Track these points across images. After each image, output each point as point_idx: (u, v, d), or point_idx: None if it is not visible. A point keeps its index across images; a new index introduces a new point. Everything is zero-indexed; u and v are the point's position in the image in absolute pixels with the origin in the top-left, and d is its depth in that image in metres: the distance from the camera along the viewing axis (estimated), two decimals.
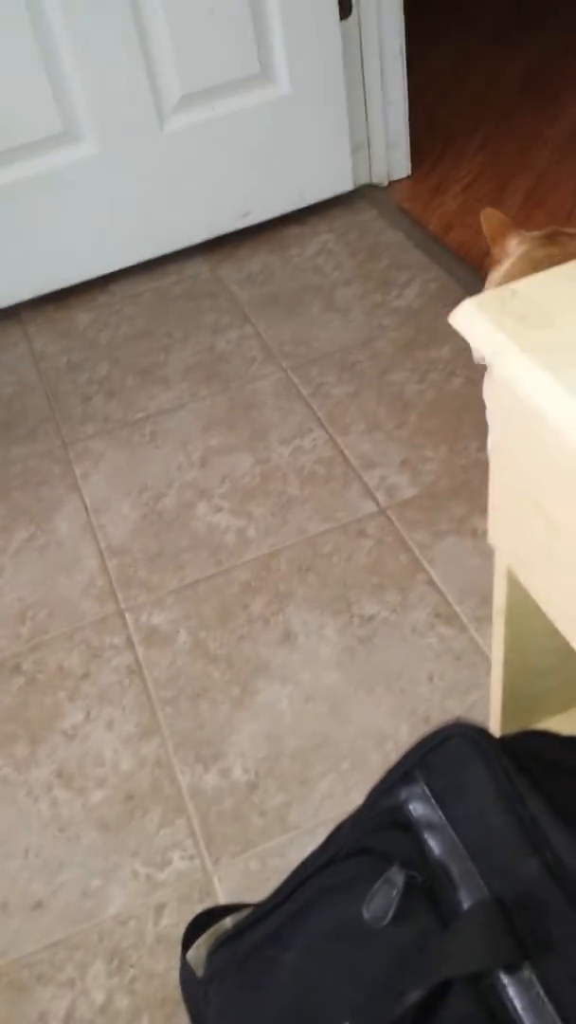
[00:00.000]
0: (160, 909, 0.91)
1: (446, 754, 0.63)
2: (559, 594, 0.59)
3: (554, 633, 0.60)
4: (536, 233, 1.08)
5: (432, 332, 1.51)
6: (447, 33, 2.30)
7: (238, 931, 0.70)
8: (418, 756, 0.64)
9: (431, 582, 1.15)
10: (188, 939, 0.80)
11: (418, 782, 0.63)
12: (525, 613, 0.67)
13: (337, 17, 1.60)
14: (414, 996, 0.53)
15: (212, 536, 1.26)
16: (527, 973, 0.52)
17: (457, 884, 0.58)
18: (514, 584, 0.67)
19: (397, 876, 0.59)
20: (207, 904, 0.90)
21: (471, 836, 0.59)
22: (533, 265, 1.02)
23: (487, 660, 1.04)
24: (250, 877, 0.92)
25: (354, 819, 0.67)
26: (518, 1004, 0.52)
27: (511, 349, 0.48)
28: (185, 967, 0.78)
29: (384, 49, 1.69)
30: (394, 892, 0.59)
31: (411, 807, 0.63)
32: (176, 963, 0.81)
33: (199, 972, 0.74)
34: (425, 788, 0.63)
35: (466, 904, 0.57)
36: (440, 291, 1.58)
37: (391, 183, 1.86)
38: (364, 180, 1.84)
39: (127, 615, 1.18)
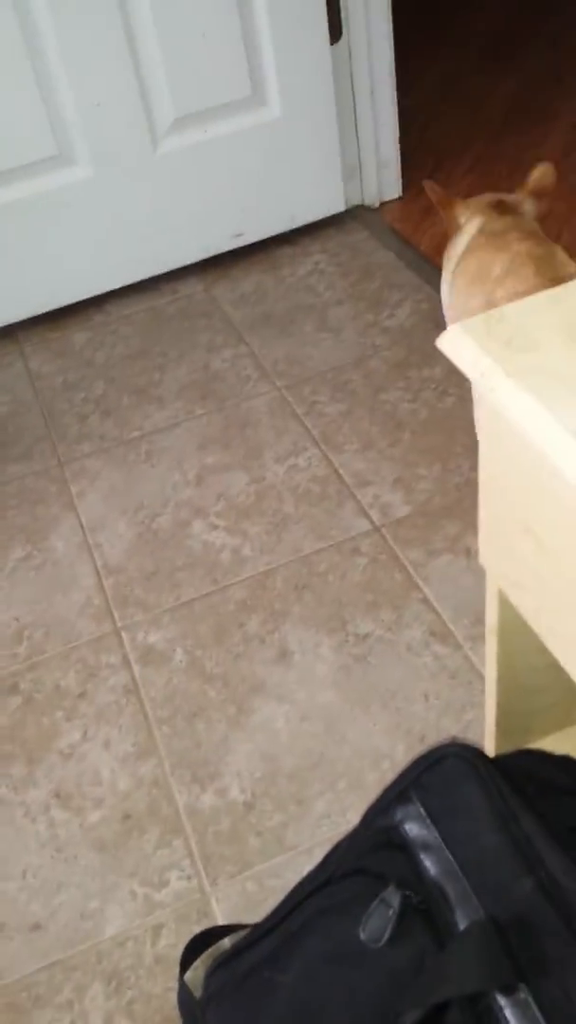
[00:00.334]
0: (158, 930, 0.91)
1: (441, 774, 0.64)
2: (548, 614, 0.60)
3: (546, 652, 0.61)
4: (476, 201, 1.16)
5: (424, 351, 1.52)
6: (436, 56, 2.33)
7: (235, 952, 0.70)
8: (413, 776, 0.64)
9: (425, 600, 1.16)
10: (186, 960, 0.80)
11: (413, 802, 0.64)
12: (517, 633, 0.68)
13: (328, 41, 1.62)
14: (411, 1018, 0.53)
15: (208, 554, 1.27)
16: (523, 994, 0.53)
17: (453, 904, 0.59)
18: (505, 604, 0.68)
19: (393, 897, 0.59)
20: (205, 925, 0.90)
21: (466, 856, 0.60)
22: (497, 238, 1.08)
23: (482, 679, 1.05)
24: (247, 897, 0.92)
25: (350, 839, 0.67)
26: None
27: (497, 373, 0.49)
28: (183, 988, 0.78)
29: (374, 72, 1.72)
30: (390, 913, 0.59)
31: (407, 827, 0.63)
32: (174, 984, 0.81)
33: (197, 993, 0.74)
34: (420, 808, 0.63)
35: (462, 924, 0.57)
36: (431, 311, 1.59)
37: (382, 204, 1.88)
38: (356, 201, 1.86)
39: (123, 634, 1.19)
